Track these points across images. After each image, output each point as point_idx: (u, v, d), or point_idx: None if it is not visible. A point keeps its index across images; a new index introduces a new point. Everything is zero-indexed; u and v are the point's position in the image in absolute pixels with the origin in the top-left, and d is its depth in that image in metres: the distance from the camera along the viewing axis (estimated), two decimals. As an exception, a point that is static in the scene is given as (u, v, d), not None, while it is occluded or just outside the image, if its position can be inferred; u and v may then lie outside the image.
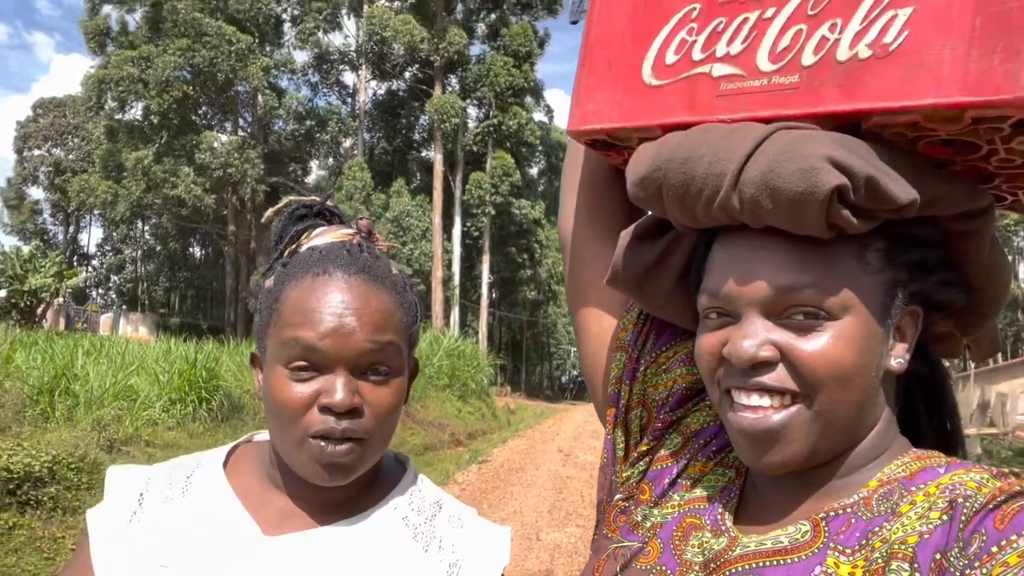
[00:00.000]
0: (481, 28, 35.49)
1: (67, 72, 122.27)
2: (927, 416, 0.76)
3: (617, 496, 0.83)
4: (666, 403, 0.84)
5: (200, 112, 34.37)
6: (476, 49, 35.22)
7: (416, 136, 39.40)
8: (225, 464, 0.92)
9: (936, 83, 0.59)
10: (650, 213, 0.79)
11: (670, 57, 0.73)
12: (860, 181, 0.60)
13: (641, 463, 0.83)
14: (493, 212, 33.36)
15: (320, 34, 34.24)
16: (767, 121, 0.66)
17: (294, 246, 0.94)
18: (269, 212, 1.00)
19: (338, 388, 0.80)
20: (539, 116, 38.37)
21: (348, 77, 38.85)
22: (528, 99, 35.30)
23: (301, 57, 36.58)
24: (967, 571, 0.53)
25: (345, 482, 0.84)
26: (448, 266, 33.27)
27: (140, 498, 0.88)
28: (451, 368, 16.11)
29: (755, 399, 0.66)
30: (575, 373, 63.31)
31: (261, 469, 0.91)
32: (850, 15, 0.64)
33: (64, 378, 7.11)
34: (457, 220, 34.10)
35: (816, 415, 0.65)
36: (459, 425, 14.22)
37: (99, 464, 5.74)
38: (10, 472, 4.98)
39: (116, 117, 31.99)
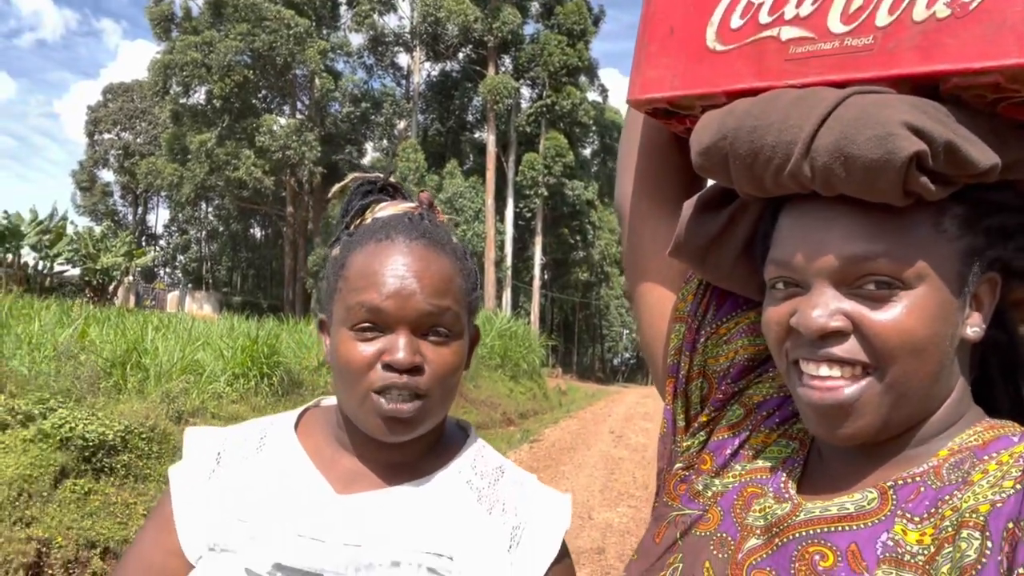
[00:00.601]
0: (535, 7, 35.15)
1: (134, 58, 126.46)
2: (1003, 385, 0.74)
3: (677, 465, 0.84)
4: (727, 374, 0.84)
5: (260, 96, 35.10)
6: (530, 28, 34.98)
7: (469, 117, 39.42)
8: (296, 426, 0.96)
9: (1019, 42, 0.56)
10: (713, 182, 0.77)
11: (735, 21, 0.71)
12: (939, 147, 0.58)
13: (702, 433, 0.83)
14: (546, 193, 33.25)
15: (375, 16, 34.44)
16: (840, 85, 0.64)
17: (359, 220, 0.97)
18: (335, 188, 1.05)
19: (400, 346, 0.83)
20: (593, 96, 37.97)
21: (402, 59, 39.08)
22: (582, 78, 34.92)
23: (357, 40, 36.95)
24: None
25: (407, 437, 0.87)
26: (500, 247, 33.35)
27: (218, 457, 0.92)
28: (503, 349, 16.21)
29: (824, 370, 0.65)
30: (627, 355, 62.92)
31: (330, 431, 0.95)
32: None
33: (135, 352, 7.42)
34: (510, 201, 34.09)
35: (888, 387, 0.64)
36: (511, 405, 14.32)
37: (168, 434, 6.00)
38: (86, 440, 5.25)
39: (181, 101, 32.94)
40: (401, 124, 37.97)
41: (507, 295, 33.83)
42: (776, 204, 0.72)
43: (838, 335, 0.64)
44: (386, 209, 0.96)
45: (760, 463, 0.77)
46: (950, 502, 0.60)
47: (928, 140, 0.58)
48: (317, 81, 32.69)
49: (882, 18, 0.63)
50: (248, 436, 0.95)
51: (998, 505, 0.56)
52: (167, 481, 0.93)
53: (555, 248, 37.33)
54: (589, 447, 11.27)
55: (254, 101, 33.94)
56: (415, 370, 0.84)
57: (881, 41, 0.63)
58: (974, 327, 0.66)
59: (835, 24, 0.65)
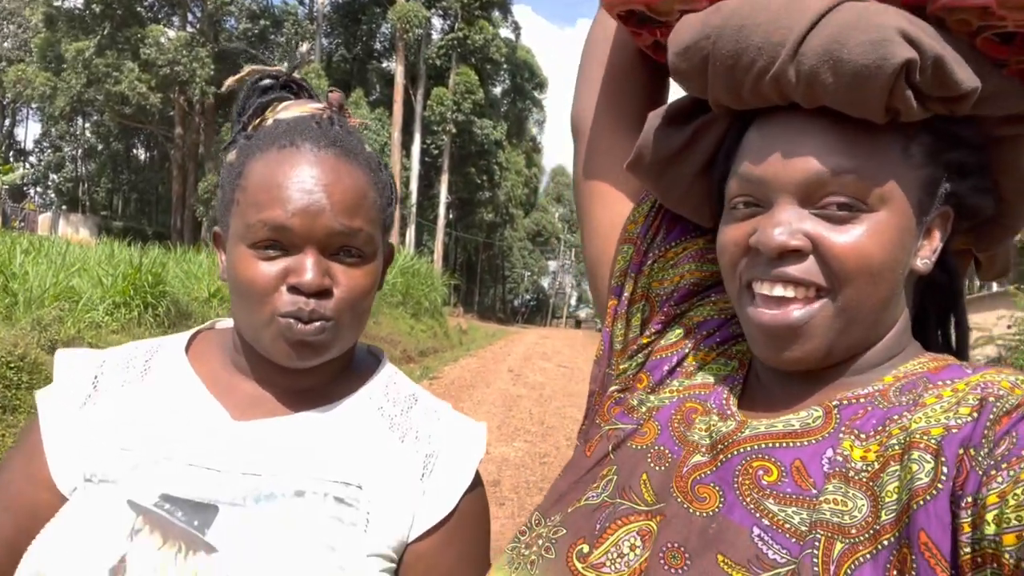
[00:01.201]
0: (449, -67, 33.76)
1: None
2: (936, 325, 0.75)
3: (612, 388, 0.83)
4: (671, 297, 0.83)
5: (146, 4, 32.28)
6: (443, -45, 33.60)
7: (377, 45, 37.88)
8: (187, 349, 0.87)
9: None
10: (682, 97, 0.75)
11: None
12: (928, 60, 0.57)
13: (639, 356, 0.82)
14: (454, 130, 32.70)
15: (277, -74, 32.12)
16: None
17: (258, 120, 0.87)
18: (230, 80, 0.92)
19: (308, 267, 0.76)
20: (506, 32, 37.23)
21: (306, -24, 36.76)
22: (495, 13, 34.13)
23: (256, -50, 34.36)
24: (992, 471, 0.51)
25: (314, 363, 0.81)
26: (406, 183, 32.68)
27: (95, 381, 0.83)
28: (405, 286, 16.07)
29: (779, 290, 0.64)
30: (528, 297, 63.95)
31: (226, 355, 0.87)
32: None
33: (2, 276, 6.84)
34: (417, 137, 33.32)
35: (840, 311, 0.63)
36: (411, 342, 14.29)
37: (40, 364, 5.60)
38: (-56, 368, 4.82)
39: (55, 4, 29.84)
40: (304, 47, 35.93)
41: (411, 232, 33.37)
42: (742, 123, 0.70)
43: (796, 255, 0.63)
44: (290, 109, 0.86)
45: (699, 379, 0.76)
46: (899, 421, 0.59)
47: (920, 51, 0.57)
48: (211, -8, 30.32)
49: None
50: (131, 359, 0.86)
51: (953, 431, 0.55)
52: (35, 408, 0.83)
53: (461, 187, 36.98)
54: (488, 385, 11.44)
55: (139, 9, 31.19)
56: (323, 293, 0.78)
57: None
58: (924, 259, 0.66)
59: None
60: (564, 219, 63.89)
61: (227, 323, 0.93)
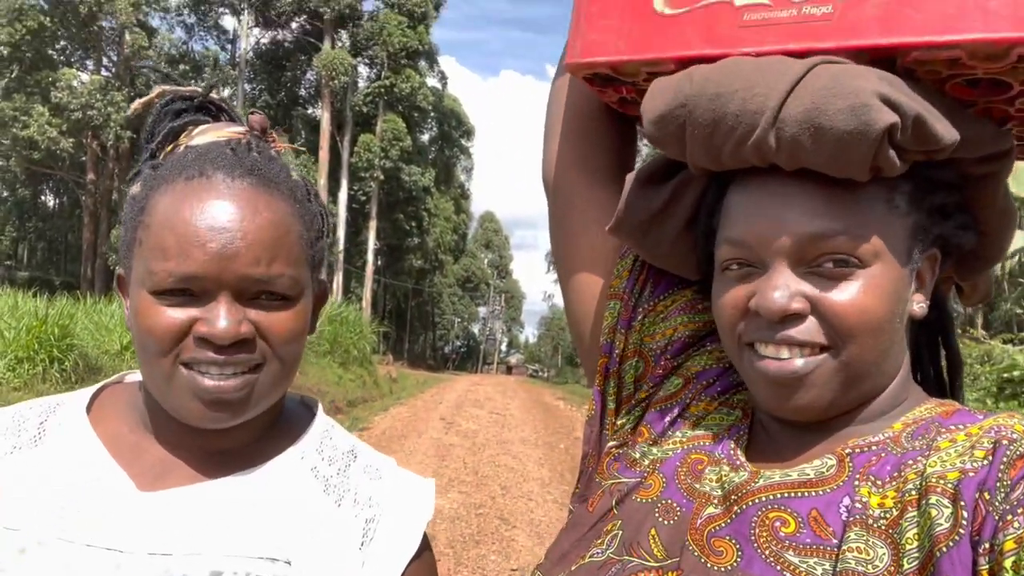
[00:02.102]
0: (375, -16, 34.19)
1: None
2: (928, 361, 0.75)
3: (610, 444, 0.80)
4: (666, 351, 0.81)
5: (58, 47, 31.19)
6: (369, 5, 34.04)
7: (302, 92, 37.62)
8: (89, 409, 0.76)
9: (984, 17, 0.56)
10: (657, 156, 0.73)
11: None
12: (909, 120, 0.58)
13: (637, 410, 0.80)
14: (382, 177, 32.58)
15: (199, -28, 31.81)
16: (798, 55, 0.61)
17: (170, 147, 0.77)
18: (136, 104, 0.81)
19: (220, 315, 0.66)
20: (432, 81, 37.68)
21: (228, 21, 36.50)
22: (422, 63, 34.52)
23: (177, -5, 33.85)
24: (1008, 516, 0.50)
25: (235, 422, 0.71)
26: (333, 230, 32.13)
27: None
28: (333, 334, 15.70)
29: (784, 352, 0.63)
30: (458, 343, 63.55)
31: (134, 414, 0.76)
32: None
33: None
34: (344, 183, 33.01)
35: (843, 365, 0.63)
36: (339, 392, 13.90)
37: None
38: None
39: (-44, 44, 28.43)
40: (225, 92, 35.36)
41: (338, 279, 32.78)
42: (721, 180, 0.69)
43: (796, 316, 0.63)
44: (206, 134, 0.76)
45: (702, 431, 0.75)
46: (914, 466, 0.59)
47: (900, 113, 0.57)
48: (128, 36, 29.56)
49: None
50: (23, 421, 0.75)
51: (970, 474, 0.54)
52: None
53: (390, 234, 36.73)
54: (420, 434, 11.16)
55: (51, 52, 30.08)
56: (243, 343, 0.68)
57: (841, 10, 0.61)
58: (919, 303, 0.66)
59: None
60: (493, 264, 64.19)
61: (137, 376, 0.81)
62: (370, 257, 35.06)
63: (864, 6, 0.60)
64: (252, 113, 0.79)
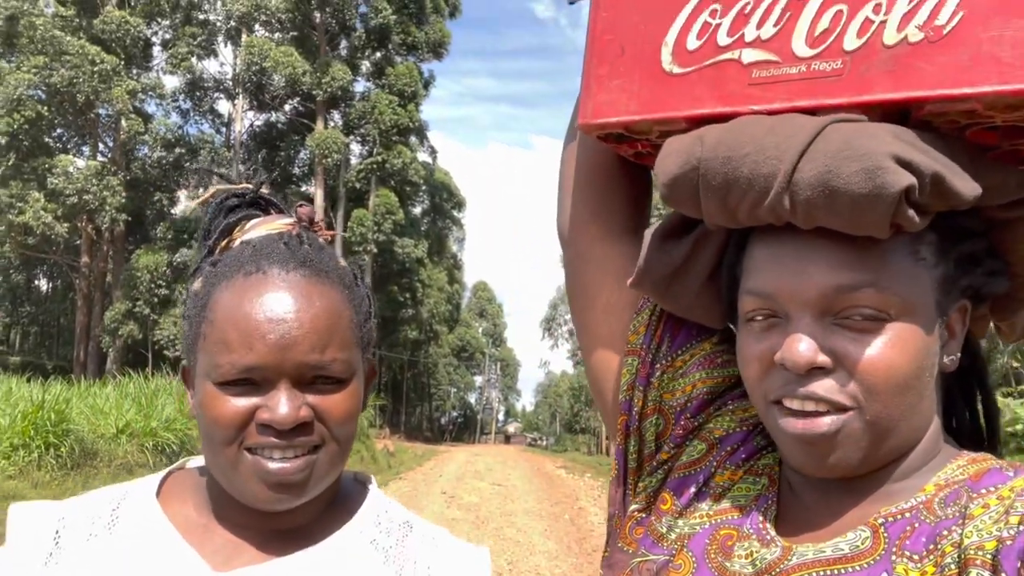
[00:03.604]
0: (366, 65, 35.29)
1: None
2: (964, 410, 0.74)
3: (633, 507, 0.78)
4: (686, 408, 0.79)
5: (55, 134, 31.85)
6: (360, 86, 35.02)
7: (296, 170, 38.32)
8: (158, 494, 0.78)
9: (999, 68, 0.55)
10: (673, 212, 0.74)
11: (692, 42, 0.68)
12: (926, 179, 0.57)
13: (660, 471, 0.78)
14: (375, 250, 32.85)
15: (194, 60, 32.79)
16: (809, 111, 0.62)
17: (225, 241, 0.82)
18: (194, 203, 0.87)
19: (281, 403, 0.70)
20: (423, 156, 38.48)
21: (223, 106, 37.40)
22: (413, 139, 35.35)
23: (172, 82, 34.88)
24: None
25: (298, 503, 0.73)
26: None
27: (56, 537, 0.74)
28: (329, 409, 15.48)
29: (810, 406, 0.62)
30: (455, 414, 62.77)
31: (200, 498, 0.79)
32: None
33: None
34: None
35: (870, 424, 0.62)
36: (337, 469, 13.63)
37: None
38: None
39: (-45, 135, 28.98)
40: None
41: (332, 354, 32.61)
42: (742, 231, 0.69)
43: (821, 370, 0.62)
44: (258, 228, 0.81)
45: (728, 503, 0.73)
46: (949, 537, 0.57)
47: (916, 172, 0.56)
48: (124, 122, 30.23)
49: (851, 42, 0.61)
50: (96, 510, 0.77)
51: (1008, 542, 0.53)
52: None
53: (384, 306, 36.74)
54: (421, 510, 10.92)
55: (47, 140, 30.69)
56: (303, 427, 0.71)
57: (851, 65, 0.61)
58: (950, 356, 0.65)
59: (800, 47, 0.63)
60: (487, 333, 64.05)
61: (198, 461, 0.84)
62: (365, 330, 35.00)
63: (874, 60, 0.60)
64: (300, 205, 0.84)
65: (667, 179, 0.66)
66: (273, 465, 0.71)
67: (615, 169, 0.85)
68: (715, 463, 0.76)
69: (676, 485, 0.76)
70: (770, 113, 0.63)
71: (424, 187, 37.89)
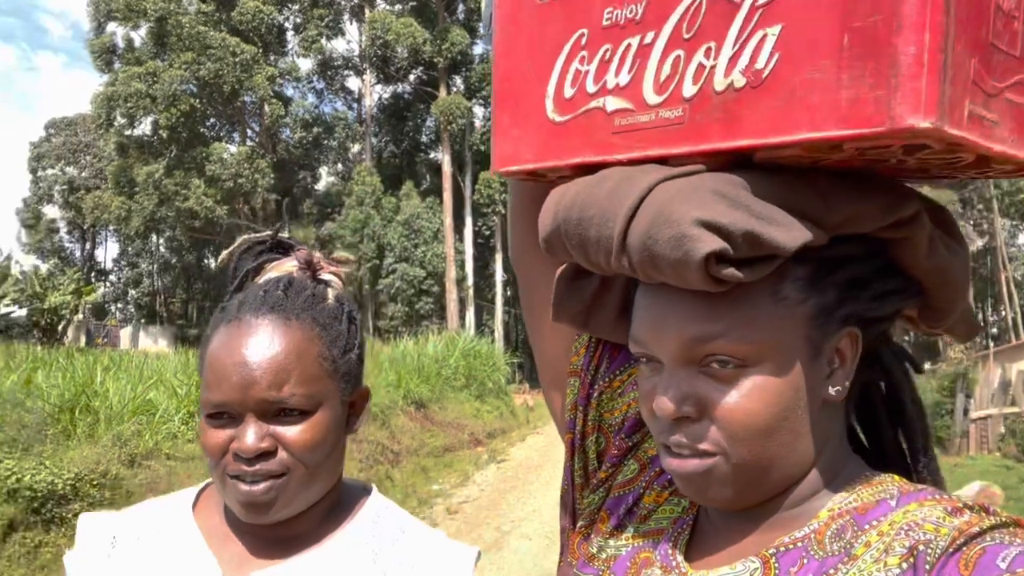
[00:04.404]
0: (482, 26, 35.43)
1: (75, 91, 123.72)
2: (889, 425, 0.72)
3: (580, 523, 0.82)
4: (621, 428, 0.82)
5: (208, 124, 34.64)
6: (479, 48, 35.22)
7: (423, 138, 39.45)
8: (195, 504, 0.96)
9: (809, 115, 0.54)
10: None
11: (568, 90, 0.69)
12: (738, 238, 0.56)
13: (601, 490, 0.82)
14: (503, 210, 33.36)
15: (323, 41, 34.34)
16: (660, 160, 0.62)
17: (254, 281, 0.96)
18: (223, 255, 1.01)
19: (246, 434, 0.83)
20: (545, 112, 38.23)
21: (353, 82, 39.04)
22: (533, 95, 35.18)
23: (305, 65, 36.79)
24: None
25: (269, 520, 0.86)
26: (461, 266, 33.32)
27: (113, 540, 0.92)
28: (468, 368, 16.13)
29: (683, 451, 0.65)
30: (593, 367, 62.94)
31: (222, 509, 0.94)
32: (723, 37, 0.58)
33: (84, 395, 7.21)
34: (468, 220, 34.13)
35: (737, 468, 0.63)
36: (478, 425, 14.24)
37: (121, 479, 5.83)
38: (34, 491, 5.07)
39: (126, 133, 32.29)
40: (355, 148, 37.81)
41: (470, 314, 33.75)
42: None
43: (689, 419, 0.63)
44: (272, 271, 0.95)
45: (652, 524, 0.76)
46: None
47: (725, 234, 0.56)
48: (267, 107, 32.40)
49: (688, 88, 0.61)
50: (146, 516, 0.95)
51: None
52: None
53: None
54: (556, 464, 11.22)
55: (202, 130, 33.46)
56: (265, 455, 0.84)
57: (689, 113, 0.61)
58: (836, 387, 0.64)
59: (650, 95, 0.63)
60: (621, 286, 63.35)
61: None
62: (499, 289, 35.87)
63: (707, 107, 0.59)
64: (299, 249, 0.96)
65: (542, 236, 0.68)
66: (243, 487, 0.83)
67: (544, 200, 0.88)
68: (644, 484, 0.79)
69: (611, 504, 0.80)
70: (630, 162, 0.64)
71: (548, 144, 37.72)
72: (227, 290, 0.96)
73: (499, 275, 35.41)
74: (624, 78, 0.64)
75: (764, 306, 0.61)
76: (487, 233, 35.65)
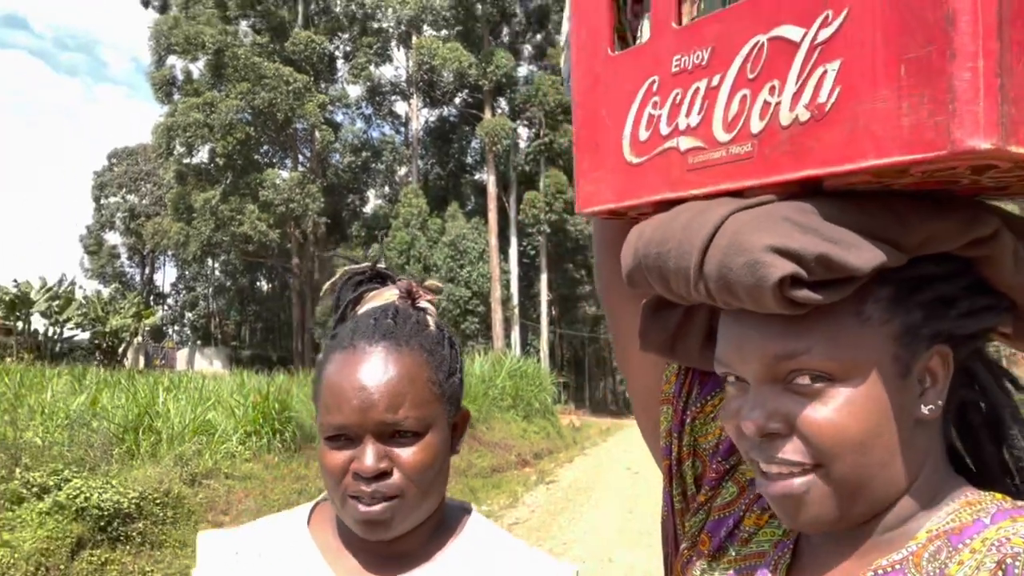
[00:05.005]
0: (528, 49, 35.88)
1: (136, 122, 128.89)
2: (990, 442, 0.71)
3: (683, 546, 0.84)
4: (717, 451, 0.83)
5: (262, 151, 35.67)
6: (523, 70, 35.63)
7: (468, 159, 39.93)
8: (309, 520, 1.00)
9: (874, 142, 0.56)
10: None
11: (643, 133, 0.73)
12: (811, 261, 0.57)
13: (701, 512, 0.83)
14: (548, 230, 33.44)
15: (372, 68, 35.18)
16: (735, 193, 0.65)
17: (354, 310, 1.01)
18: (326, 286, 1.07)
19: (366, 455, 0.88)
20: (589, 132, 38.29)
21: (400, 107, 39.80)
22: (577, 116, 35.30)
23: (355, 91, 37.69)
24: None
25: (387, 537, 0.90)
26: (506, 286, 33.43)
27: (236, 556, 0.97)
28: (514, 388, 16.15)
29: (774, 468, 0.65)
30: (640, 387, 62.16)
31: (335, 526, 0.99)
32: (785, 74, 0.61)
33: (147, 416, 7.45)
34: (513, 240, 34.29)
35: (836, 484, 0.63)
36: (525, 445, 14.22)
37: (182, 498, 5.99)
38: (101, 509, 5.25)
39: (184, 161, 33.47)
40: (402, 170, 38.44)
41: (515, 334, 33.80)
42: None
43: (779, 435, 0.64)
44: (374, 300, 1.00)
45: (753, 547, 0.77)
46: None
47: (798, 258, 0.57)
48: (317, 134, 33.24)
49: (755, 124, 0.63)
50: (263, 532, 1.00)
51: None
52: (182, 547, 0.97)
53: (561, 284, 37.40)
54: (607, 486, 11.15)
55: (256, 157, 34.46)
56: (382, 475, 0.88)
57: (758, 147, 0.63)
58: (929, 405, 0.64)
59: (720, 133, 0.66)
60: (668, 304, 62.59)
61: None
62: (544, 309, 35.85)
63: (775, 141, 0.62)
64: (399, 279, 1.02)
65: (626, 272, 0.71)
66: (363, 508, 0.88)
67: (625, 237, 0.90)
68: (744, 506, 0.79)
69: (712, 527, 0.80)
70: (706, 197, 0.67)
71: (593, 163, 37.71)
72: (333, 316, 1.01)
73: (544, 295, 35.39)
74: (695, 119, 0.68)
75: (848, 326, 0.62)
76: (532, 253, 35.76)
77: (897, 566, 0.63)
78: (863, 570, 0.65)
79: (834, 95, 0.58)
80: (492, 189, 33.34)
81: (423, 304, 1.00)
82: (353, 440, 0.89)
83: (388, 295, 1.00)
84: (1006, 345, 0.74)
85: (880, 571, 0.64)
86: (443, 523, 1.00)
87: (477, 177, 39.36)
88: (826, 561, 0.69)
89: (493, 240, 32.46)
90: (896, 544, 0.65)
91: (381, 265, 1.06)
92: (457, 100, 37.16)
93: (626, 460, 14.61)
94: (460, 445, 1.00)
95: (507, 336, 32.90)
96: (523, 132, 35.72)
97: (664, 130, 0.71)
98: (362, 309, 0.99)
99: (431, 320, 0.99)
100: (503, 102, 35.77)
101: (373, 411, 0.88)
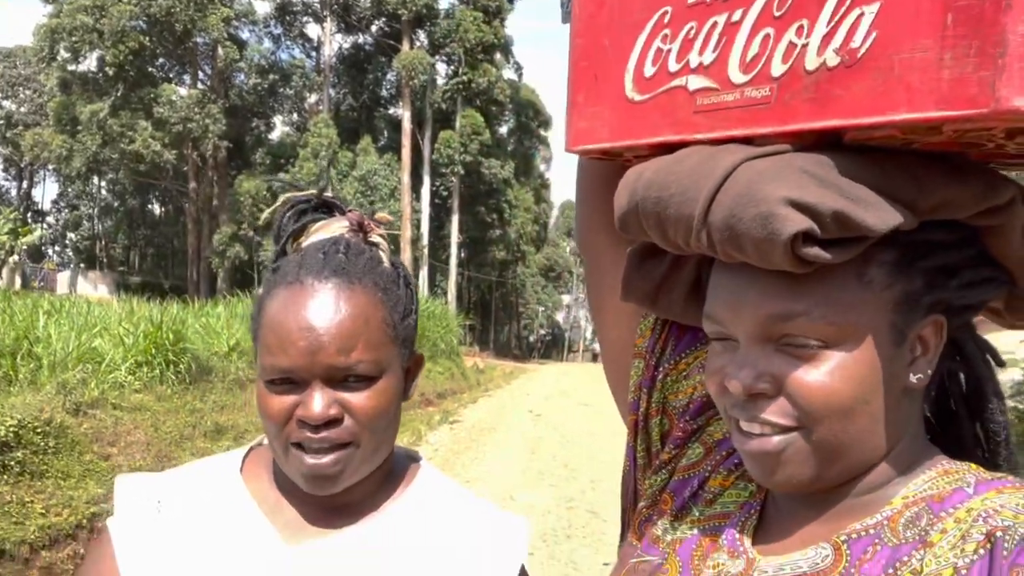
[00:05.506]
0: (450, -19, 34.63)
1: (16, 21, 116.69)
2: (967, 417, 0.70)
3: (641, 503, 0.82)
4: (687, 410, 0.82)
5: (157, 64, 33.24)
6: (445, 3, 34.46)
7: (383, 93, 38.62)
8: (242, 468, 0.91)
9: (908, 95, 0.52)
10: None
11: (648, 69, 0.68)
12: (827, 218, 0.55)
13: (664, 471, 0.81)
14: (462, 171, 33.07)
15: (283, -16, 33.07)
16: (744, 140, 0.62)
17: (296, 242, 0.91)
18: (267, 212, 0.96)
19: (313, 401, 0.79)
20: (509, 74, 37.89)
21: (312, 30, 37.80)
22: (498, 56, 34.74)
23: (263, 8, 35.43)
24: None
25: (335, 491, 0.83)
26: (417, 226, 33.01)
27: (158, 504, 0.87)
28: (421, 329, 15.85)
29: (755, 428, 0.63)
30: (543, 332, 63.74)
31: (272, 474, 0.91)
32: (816, 15, 0.56)
33: (26, 340, 6.93)
34: (426, 179, 33.74)
35: (816, 445, 0.62)
36: (429, 385, 14.29)
37: (66, 427, 5.65)
38: (-27, 437, 4.86)
39: (69, 68, 30.76)
40: (312, 98, 36.76)
41: (424, 274, 33.57)
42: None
43: (764, 395, 0.62)
44: (319, 231, 0.90)
45: (718, 508, 0.75)
46: (909, 563, 0.57)
47: (813, 214, 0.55)
48: (220, 50, 31.14)
49: (777, 67, 0.59)
50: (191, 481, 0.90)
51: (963, 572, 0.53)
52: (65, 479, 0.85)
53: (472, 227, 37.25)
54: (509, 427, 11.37)
55: (151, 69, 32.11)
56: (332, 422, 0.80)
57: (777, 93, 0.59)
58: (917, 374, 0.63)
59: (735, 74, 0.62)
60: (575, 253, 63.97)
61: None
62: (453, 251, 35.71)
63: (797, 87, 0.58)
64: (350, 210, 0.92)
65: (618, 215, 0.68)
66: (310, 460, 0.80)
67: (617, 179, 0.86)
68: (710, 467, 0.78)
69: (676, 487, 0.79)
70: (712, 142, 0.63)
71: (510, 106, 37.40)
72: (275, 246, 0.91)
73: (454, 236, 35.22)
74: (708, 57, 0.64)
75: (849, 288, 0.60)
76: (444, 194, 35.32)
77: (872, 530, 0.62)
78: (835, 533, 0.64)
79: (869, 40, 0.54)
80: (407, 125, 32.49)
81: (375, 239, 0.92)
82: (298, 384, 0.80)
83: (336, 227, 0.90)
84: (992, 321, 0.74)
85: (854, 535, 0.62)
86: (392, 472, 0.93)
87: (391, 112, 38.19)
88: (794, 524, 0.68)
89: (406, 178, 31.81)
90: (870, 509, 0.64)
91: (328, 194, 0.95)
92: (374, 28, 35.66)
93: (528, 403, 14.97)
94: (413, 391, 0.92)
95: (415, 276, 32.62)
96: (441, 68, 34.83)
97: (673, 67, 0.66)
98: (307, 241, 0.89)
99: (384, 256, 0.90)
100: (422, 35, 34.61)
101: (322, 354, 0.79)
